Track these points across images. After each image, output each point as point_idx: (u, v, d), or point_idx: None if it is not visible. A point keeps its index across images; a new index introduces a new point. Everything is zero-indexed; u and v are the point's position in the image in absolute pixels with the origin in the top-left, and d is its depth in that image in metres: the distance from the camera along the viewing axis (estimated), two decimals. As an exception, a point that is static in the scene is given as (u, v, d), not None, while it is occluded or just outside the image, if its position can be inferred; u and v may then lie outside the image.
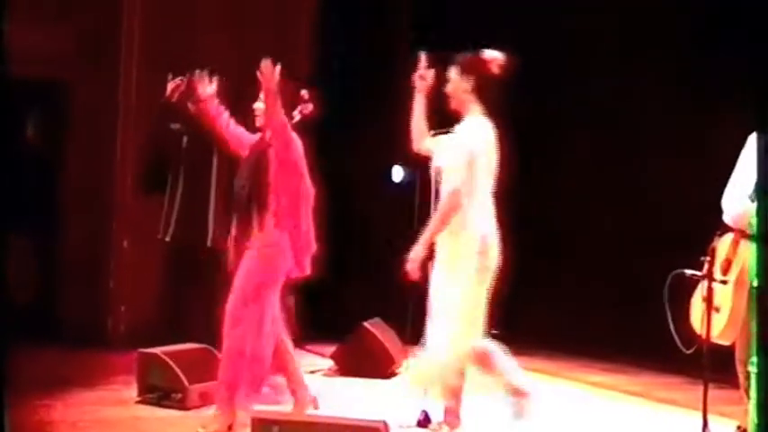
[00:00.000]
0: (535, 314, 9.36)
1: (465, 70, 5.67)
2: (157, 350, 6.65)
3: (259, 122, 6.09)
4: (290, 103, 6.07)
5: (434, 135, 6.01)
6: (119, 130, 9.24)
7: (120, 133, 9.24)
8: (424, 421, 6.03)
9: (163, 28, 9.62)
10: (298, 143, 6.03)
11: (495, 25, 9.07)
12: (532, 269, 7.93)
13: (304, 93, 6.21)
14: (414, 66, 5.97)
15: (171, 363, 6.52)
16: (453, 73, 5.72)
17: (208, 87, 6.23)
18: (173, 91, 7.27)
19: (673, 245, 7.25)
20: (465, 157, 5.57)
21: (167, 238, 7.61)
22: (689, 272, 5.48)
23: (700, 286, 5.50)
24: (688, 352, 5.51)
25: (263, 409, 5.68)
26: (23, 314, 9.01)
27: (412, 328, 7.11)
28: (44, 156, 9.60)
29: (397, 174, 11.23)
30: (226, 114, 6.30)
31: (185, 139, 7.62)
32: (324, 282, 10.91)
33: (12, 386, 6.66)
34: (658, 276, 5.69)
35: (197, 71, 6.24)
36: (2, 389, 4.94)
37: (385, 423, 5.03)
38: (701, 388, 5.37)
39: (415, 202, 6.78)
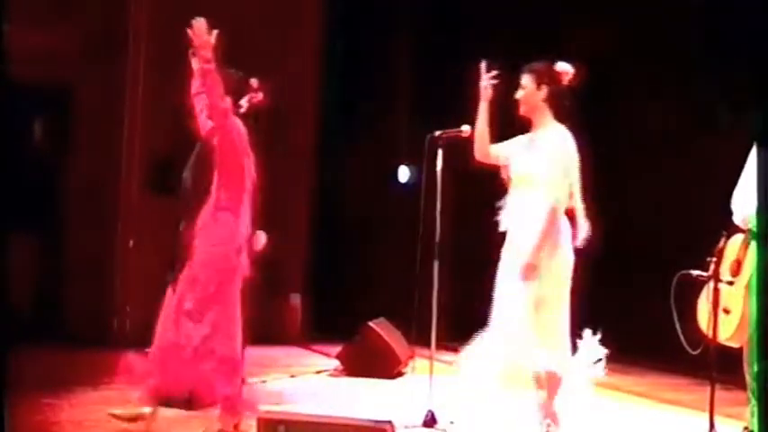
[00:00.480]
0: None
1: (540, 80, 5.77)
2: (163, 350, 6.64)
3: (205, 111, 5.76)
4: (237, 90, 5.76)
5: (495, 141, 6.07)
6: (125, 131, 9.26)
7: (126, 134, 9.26)
8: (431, 421, 6.02)
9: (169, 29, 9.61)
10: (242, 133, 5.71)
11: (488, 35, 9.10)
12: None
13: (254, 81, 5.91)
14: (476, 74, 6.00)
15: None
16: (527, 81, 5.80)
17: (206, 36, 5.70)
18: None
19: (679, 245, 7.26)
20: (561, 170, 5.71)
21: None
22: (695, 272, 5.47)
23: (706, 287, 5.50)
24: (694, 353, 5.50)
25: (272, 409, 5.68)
26: (29, 314, 9.05)
27: (417, 328, 7.11)
28: (50, 156, 9.62)
29: (403, 174, 11.24)
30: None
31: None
32: (329, 281, 11.01)
33: (13, 386, 6.69)
34: (664, 276, 5.68)
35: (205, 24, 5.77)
36: (1, 389, 4.92)
37: (391, 423, 5.04)
38: (707, 389, 5.36)
39: (421, 202, 6.77)
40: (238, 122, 5.70)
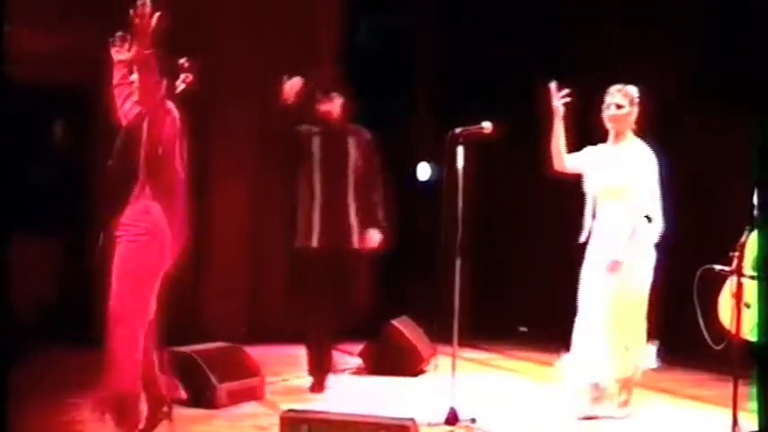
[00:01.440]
0: (561, 311, 9.32)
1: (633, 100, 6.43)
2: (187, 349, 6.67)
3: (134, 97, 5.50)
4: (170, 72, 5.52)
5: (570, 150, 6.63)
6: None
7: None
8: (453, 419, 6.02)
9: (184, 29, 9.64)
10: (176, 118, 5.47)
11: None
12: (558, 266, 7.90)
13: (183, 61, 5.67)
14: (547, 94, 6.51)
15: (200, 361, 6.54)
16: (622, 100, 6.41)
17: (123, 54, 5.67)
18: (289, 92, 7.05)
19: (699, 240, 7.24)
20: (649, 181, 6.33)
21: (314, 245, 7.19)
22: (718, 267, 5.46)
23: (728, 282, 5.48)
24: (717, 348, 5.48)
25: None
26: (53, 314, 9.10)
27: (439, 326, 7.11)
28: (73, 158, 9.66)
29: (423, 172, 11.23)
30: (129, 90, 5.64)
31: (317, 140, 7.25)
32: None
33: (38, 386, 6.74)
34: (687, 271, 5.66)
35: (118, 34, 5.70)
36: (3, 391, 4.93)
37: (413, 421, 5.04)
38: (730, 384, 5.34)
39: (442, 199, 6.77)
40: (172, 107, 5.49)
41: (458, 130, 6.34)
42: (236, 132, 10.04)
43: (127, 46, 5.67)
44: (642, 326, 6.38)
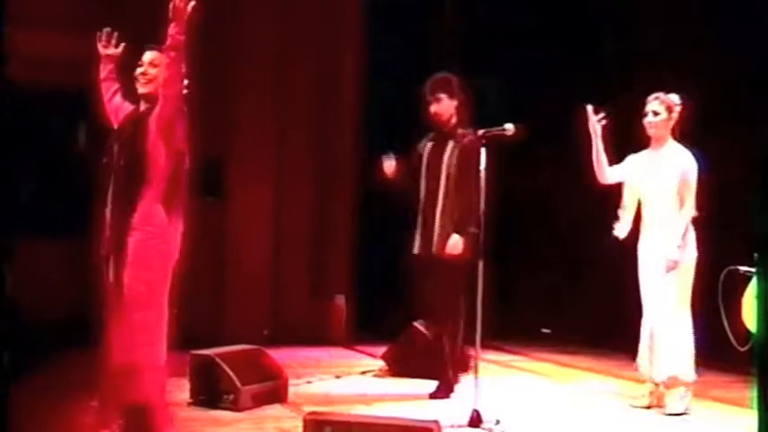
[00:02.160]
0: (584, 313, 9.32)
1: (670, 108, 6.76)
2: (210, 352, 6.68)
3: (146, 89, 5.41)
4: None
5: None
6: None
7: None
8: (476, 421, 6.01)
9: (211, 32, 9.68)
10: (186, 112, 5.39)
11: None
12: (581, 267, 7.89)
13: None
14: (584, 116, 6.84)
15: (223, 364, 6.54)
16: (660, 108, 6.75)
17: (110, 49, 5.68)
18: (387, 171, 7.18)
19: (724, 241, 7.20)
20: (691, 182, 6.67)
21: (415, 251, 7.18)
22: (743, 268, 5.43)
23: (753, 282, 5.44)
24: (742, 349, 5.46)
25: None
26: (74, 316, 9.12)
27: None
28: (93, 161, 9.68)
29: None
30: (116, 85, 5.68)
31: (428, 146, 7.22)
32: (374, 282, 11.01)
33: (63, 388, 6.76)
34: (712, 273, 5.63)
35: (105, 30, 5.72)
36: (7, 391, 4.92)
37: (437, 423, 5.03)
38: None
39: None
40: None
41: (480, 132, 6.33)
42: (259, 135, 10.06)
43: (114, 42, 5.70)
44: (687, 326, 6.67)
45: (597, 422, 6.50)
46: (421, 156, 7.20)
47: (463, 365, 7.19)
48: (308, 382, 7.63)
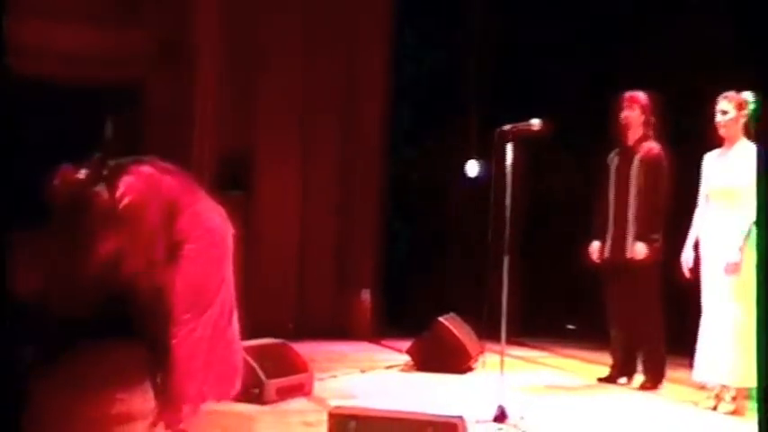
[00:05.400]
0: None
1: (740, 107, 6.71)
2: (235, 345, 6.68)
3: None
4: None
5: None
6: (195, 130, 9.33)
7: (196, 133, 9.33)
8: (501, 417, 6.00)
9: (239, 29, 9.71)
10: None
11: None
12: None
13: None
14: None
15: (249, 358, 6.55)
16: (729, 107, 6.70)
17: None
18: (592, 253, 7.79)
19: None
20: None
21: (606, 255, 7.67)
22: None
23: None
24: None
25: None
26: (104, 311, 9.15)
27: (487, 324, 7.09)
28: (123, 156, 9.72)
29: (472, 169, 11.21)
30: None
31: (615, 159, 7.71)
32: (399, 277, 11.02)
33: (89, 381, 6.79)
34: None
35: None
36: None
37: (462, 418, 5.02)
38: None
39: (491, 197, 6.74)
40: None
41: (506, 128, 6.32)
42: (285, 128, 10.07)
43: None
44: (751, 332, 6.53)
45: (621, 419, 6.47)
46: (609, 167, 7.69)
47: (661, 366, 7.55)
48: (333, 377, 7.64)
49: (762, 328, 3.87)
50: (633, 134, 7.61)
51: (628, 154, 7.61)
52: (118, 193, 5.05)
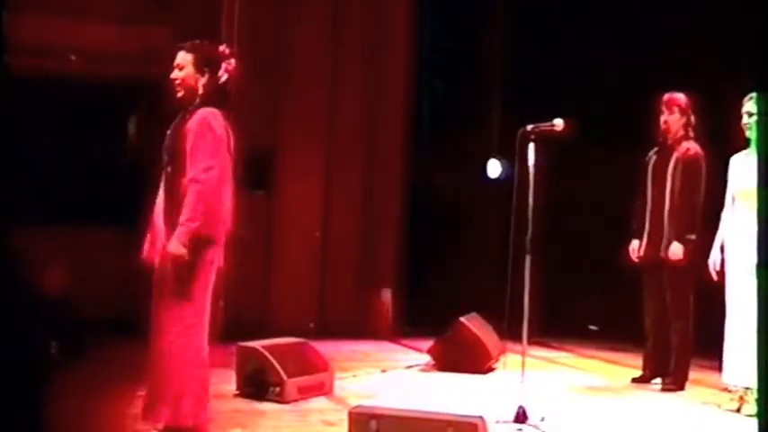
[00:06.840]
0: (631, 310, 9.22)
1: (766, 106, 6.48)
2: (256, 344, 6.70)
3: (178, 95, 5.51)
4: (210, 63, 5.40)
5: None
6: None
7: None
8: (522, 417, 5.99)
9: (264, 28, 9.72)
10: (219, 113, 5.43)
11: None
12: (629, 264, 7.84)
13: (223, 48, 5.53)
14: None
15: (269, 356, 6.57)
16: (752, 108, 6.52)
17: None
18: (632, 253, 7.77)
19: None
20: None
21: (641, 254, 7.72)
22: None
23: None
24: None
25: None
26: (122, 308, 9.19)
27: (509, 323, 7.07)
28: (144, 154, 9.76)
29: (493, 168, 11.19)
30: None
31: (653, 159, 7.74)
32: (421, 277, 11.01)
33: (105, 378, 6.82)
34: None
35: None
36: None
37: (482, 418, 5.01)
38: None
39: (513, 196, 6.72)
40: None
41: (529, 127, 6.30)
42: (308, 127, 10.09)
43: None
44: None
45: (644, 420, 6.45)
46: (647, 168, 7.71)
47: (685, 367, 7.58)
48: (354, 376, 7.64)
49: (762, 328, 3.85)
50: (673, 135, 7.64)
51: (666, 154, 7.63)
52: None
